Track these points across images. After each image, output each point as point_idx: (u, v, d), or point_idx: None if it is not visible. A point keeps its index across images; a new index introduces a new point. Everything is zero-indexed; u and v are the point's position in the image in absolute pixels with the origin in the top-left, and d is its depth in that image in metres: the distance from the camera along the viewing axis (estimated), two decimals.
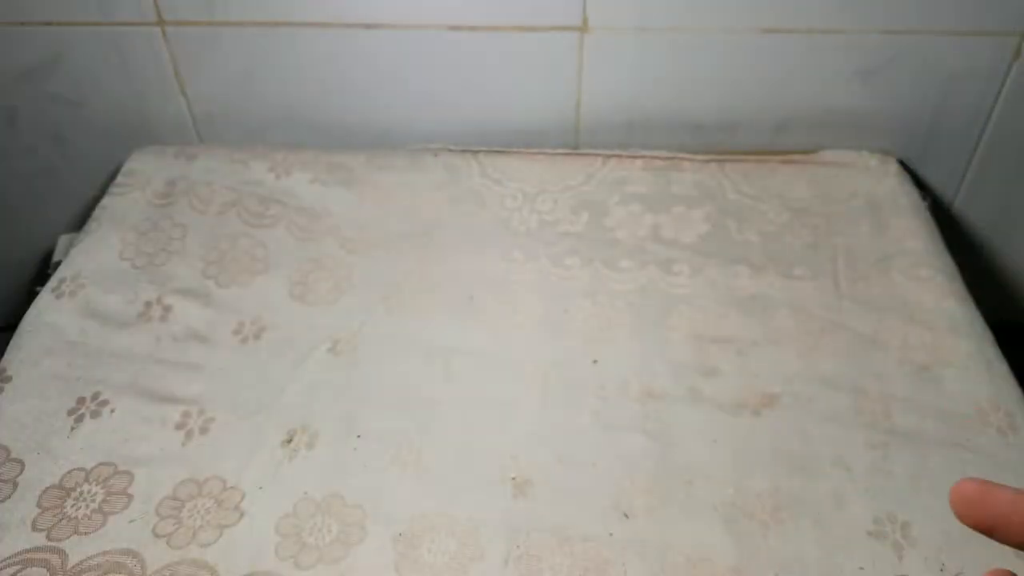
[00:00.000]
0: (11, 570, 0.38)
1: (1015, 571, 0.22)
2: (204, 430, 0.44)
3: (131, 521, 0.40)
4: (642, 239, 0.54)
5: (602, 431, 0.43)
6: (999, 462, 0.42)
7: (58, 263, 0.54)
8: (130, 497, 0.41)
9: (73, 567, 0.38)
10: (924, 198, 0.58)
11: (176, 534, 0.39)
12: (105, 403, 0.45)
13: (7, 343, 0.48)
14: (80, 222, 0.59)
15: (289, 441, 0.43)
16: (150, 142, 0.63)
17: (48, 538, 0.39)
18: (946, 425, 0.43)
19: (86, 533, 0.39)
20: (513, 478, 0.41)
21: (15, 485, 0.41)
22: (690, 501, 0.40)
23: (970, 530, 0.24)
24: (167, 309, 0.50)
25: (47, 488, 0.41)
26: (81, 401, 0.45)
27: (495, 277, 0.52)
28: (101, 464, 0.42)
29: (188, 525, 0.40)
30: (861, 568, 0.38)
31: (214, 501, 0.41)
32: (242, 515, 0.40)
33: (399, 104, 0.61)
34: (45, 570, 0.38)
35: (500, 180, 0.58)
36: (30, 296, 0.51)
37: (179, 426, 0.44)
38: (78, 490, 0.41)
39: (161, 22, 0.58)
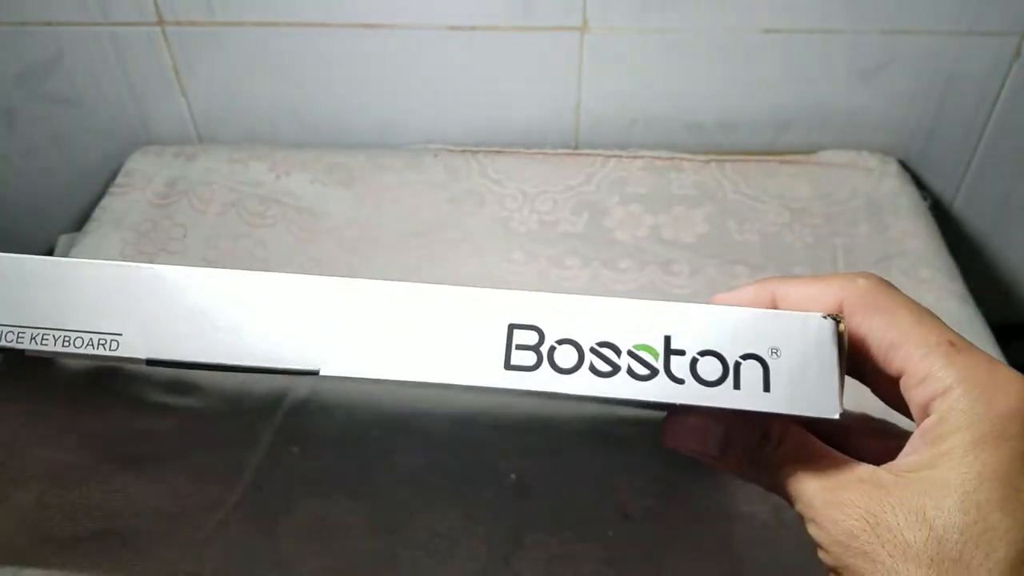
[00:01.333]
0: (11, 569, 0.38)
1: None
2: (204, 430, 0.44)
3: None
4: (642, 239, 0.54)
5: (604, 432, 0.43)
6: None
7: None
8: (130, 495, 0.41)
9: (72, 568, 0.38)
10: (924, 198, 0.58)
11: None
12: (106, 403, 0.45)
13: None
14: (80, 222, 0.59)
15: (289, 442, 0.43)
16: (150, 142, 0.63)
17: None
18: None
19: (84, 535, 0.39)
20: (513, 477, 0.41)
21: (14, 486, 0.41)
22: (692, 501, 0.40)
23: None
24: None
25: (46, 488, 0.41)
26: (81, 401, 0.45)
27: (495, 277, 0.52)
28: (104, 460, 0.42)
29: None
30: None
31: (213, 501, 0.41)
32: (243, 515, 0.40)
33: (399, 104, 0.61)
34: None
35: (500, 180, 0.58)
36: None
37: (179, 426, 0.44)
38: (77, 491, 0.41)
39: (161, 22, 0.58)
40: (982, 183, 0.62)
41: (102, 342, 0.26)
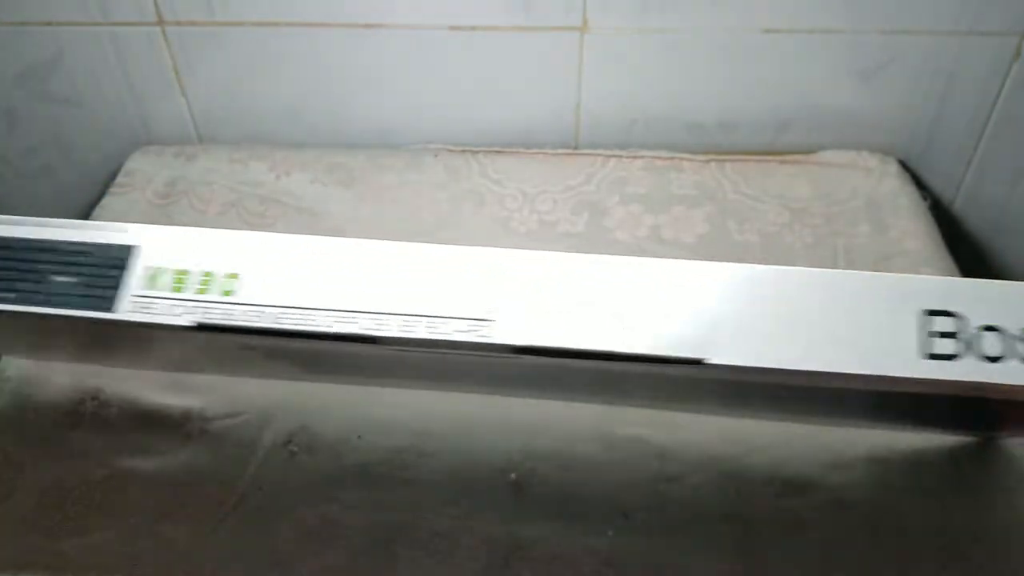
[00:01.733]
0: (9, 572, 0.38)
1: None
2: (204, 430, 0.44)
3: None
4: (642, 239, 0.54)
5: (604, 432, 0.43)
6: None
7: None
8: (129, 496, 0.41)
9: (73, 568, 0.38)
10: (924, 198, 0.58)
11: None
12: (106, 404, 0.45)
13: None
14: None
15: (289, 442, 0.43)
16: (150, 142, 0.63)
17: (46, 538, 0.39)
18: None
19: (86, 534, 0.39)
20: (513, 477, 0.41)
21: (14, 486, 0.41)
22: (692, 501, 0.40)
23: None
24: None
25: (46, 488, 0.41)
26: (81, 401, 0.45)
27: None
28: (104, 461, 0.42)
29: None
30: None
31: (213, 501, 0.41)
32: (243, 515, 0.40)
33: (399, 104, 0.61)
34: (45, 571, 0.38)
35: (500, 180, 0.58)
36: None
37: (179, 426, 0.44)
38: (77, 491, 0.41)
39: (161, 22, 0.58)
40: (982, 183, 0.62)
41: (473, 328, 0.25)
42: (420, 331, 0.25)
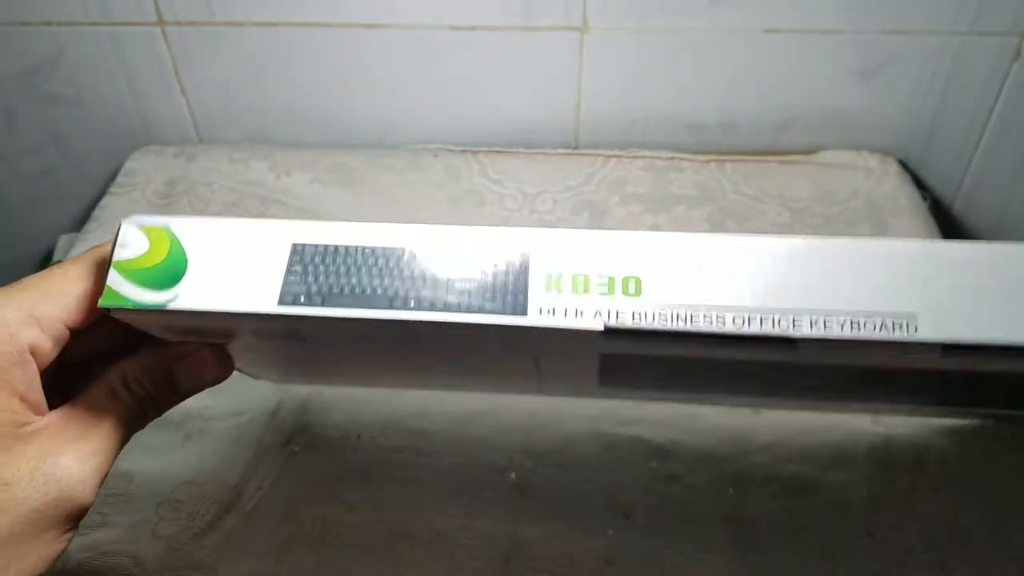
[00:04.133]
0: None
1: None
2: (204, 430, 0.44)
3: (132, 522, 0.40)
4: None
5: (604, 431, 0.43)
6: None
7: (58, 263, 0.54)
8: (130, 497, 0.41)
9: (72, 567, 0.38)
10: (924, 198, 0.58)
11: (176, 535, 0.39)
12: None
13: None
14: (80, 222, 0.59)
15: (289, 442, 0.43)
16: (150, 142, 0.63)
17: None
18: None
19: (85, 534, 0.39)
20: (513, 477, 0.41)
21: None
22: (692, 501, 0.40)
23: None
24: None
25: None
26: None
27: None
28: None
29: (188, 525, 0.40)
30: None
31: (214, 501, 0.41)
32: (243, 515, 0.40)
33: (399, 104, 0.61)
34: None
35: (500, 180, 0.58)
36: None
37: (179, 426, 0.44)
38: None
39: (161, 22, 0.58)
40: (982, 183, 0.62)
41: (898, 325, 0.23)
42: (840, 330, 0.23)
